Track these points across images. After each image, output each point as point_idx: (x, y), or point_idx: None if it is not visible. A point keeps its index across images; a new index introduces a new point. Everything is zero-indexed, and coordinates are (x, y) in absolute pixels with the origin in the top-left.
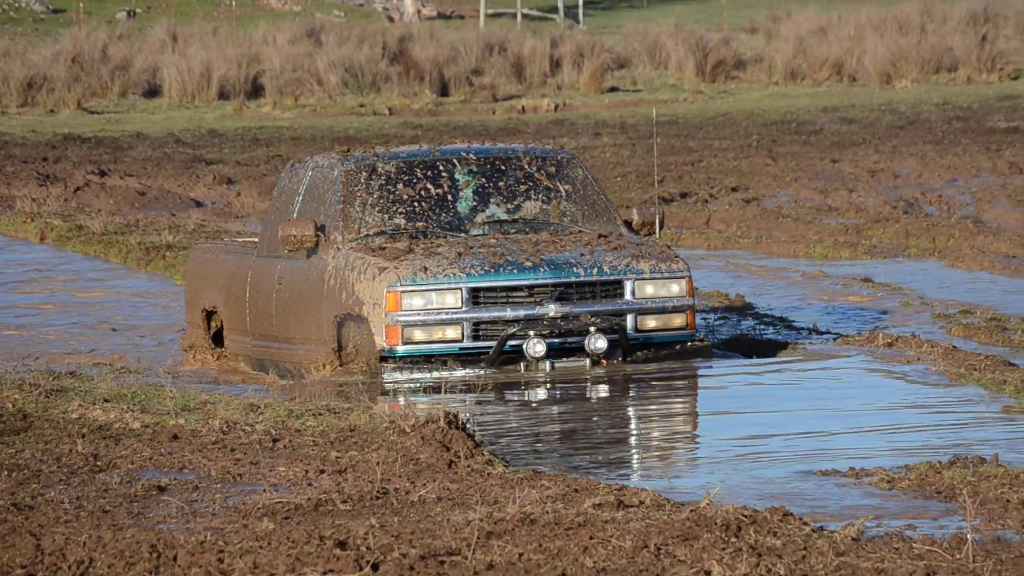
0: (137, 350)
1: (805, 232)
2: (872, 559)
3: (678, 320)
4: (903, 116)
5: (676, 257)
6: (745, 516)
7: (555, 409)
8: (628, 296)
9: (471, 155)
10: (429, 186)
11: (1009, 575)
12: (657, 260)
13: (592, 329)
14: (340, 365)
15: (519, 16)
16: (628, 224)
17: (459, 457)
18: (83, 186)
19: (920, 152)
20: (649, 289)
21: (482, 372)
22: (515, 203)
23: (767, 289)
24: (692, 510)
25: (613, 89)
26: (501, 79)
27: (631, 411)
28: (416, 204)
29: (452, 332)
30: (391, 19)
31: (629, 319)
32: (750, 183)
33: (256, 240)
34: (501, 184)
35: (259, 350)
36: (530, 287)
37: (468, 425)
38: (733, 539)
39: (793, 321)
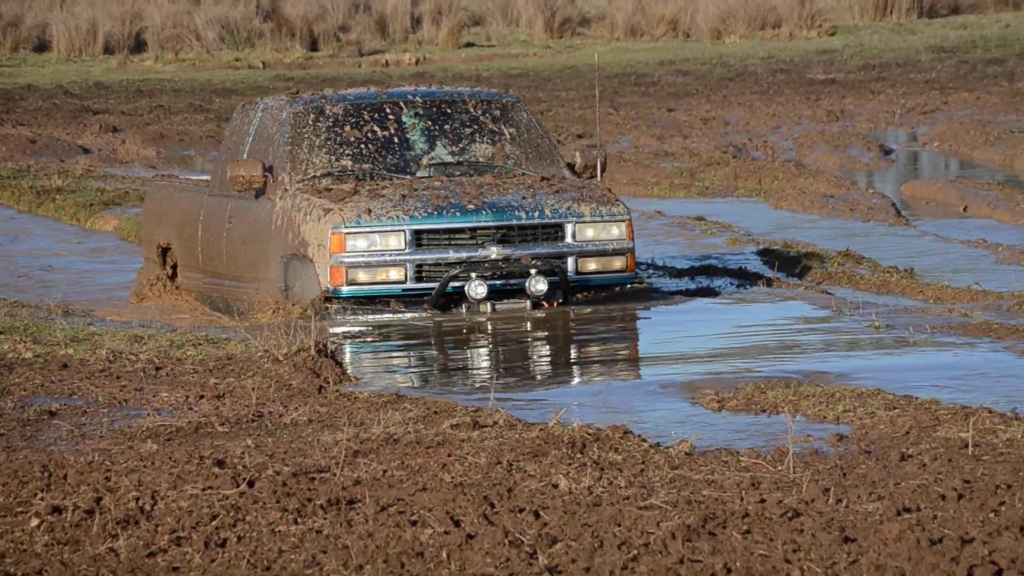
0: (89, 291)
1: (644, 175)
2: (703, 471)
3: (618, 263)
4: (732, 69)
5: (617, 201)
6: (589, 434)
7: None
8: (569, 239)
9: (418, 98)
10: (376, 128)
11: (824, 483)
12: (598, 203)
13: (533, 272)
14: (287, 304)
15: None
16: (571, 167)
17: (328, 383)
18: None
19: (748, 102)
20: (589, 232)
21: (425, 313)
22: (460, 146)
23: None
24: (541, 429)
25: (469, 44)
26: (366, 35)
27: (522, 343)
28: (363, 146)
29: (395, 274)
30: None
31: (570, 262)
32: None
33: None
34: (447, 127)
35: (210, 287)
36: (472, 229)
37: (335, 353)
38: (579, 455)
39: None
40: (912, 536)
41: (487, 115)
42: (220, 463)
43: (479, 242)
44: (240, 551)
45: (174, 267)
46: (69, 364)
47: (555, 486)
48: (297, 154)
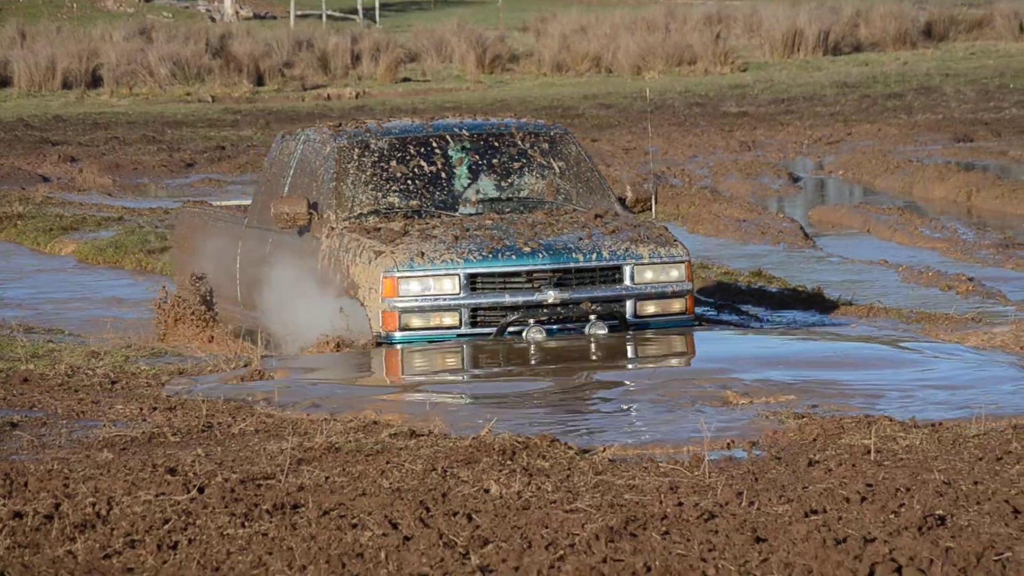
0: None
1: None
2: (625, 477)
3: (677, 305)
4: (651, 103)
5: (675, 241)
6: (519, 442)
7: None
8: (627, 281)
9: (464, 131)
10: (423, 163)
11: (737, 487)
12: (656, 244)
13: (592, 317)
14: (336, 349)
15: (324, 16)
16: (622, 201)
17: (274, 395)
18: None
19: (666, 133)
20: (648, 274)
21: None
22: (510, 180)
23: None
24: (474, 438)
25: (406, 79)
26: (309, 71)
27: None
28: (409, 182)
29: (450, 319)
30: (213, 19)
31: (628, 305)
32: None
33: (242, 205)
34: (495, 161)
35: (250, 321)
36: (529, 273)
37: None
38: (509, 462)
39: None
40: (819, 536)
41: (535, 148)
42: (172, 471)
43: (536, 286)
44: (191, 553)
45: (210, 296)
46: (30, 378)
47: (487, 491)
48: (342, 191)
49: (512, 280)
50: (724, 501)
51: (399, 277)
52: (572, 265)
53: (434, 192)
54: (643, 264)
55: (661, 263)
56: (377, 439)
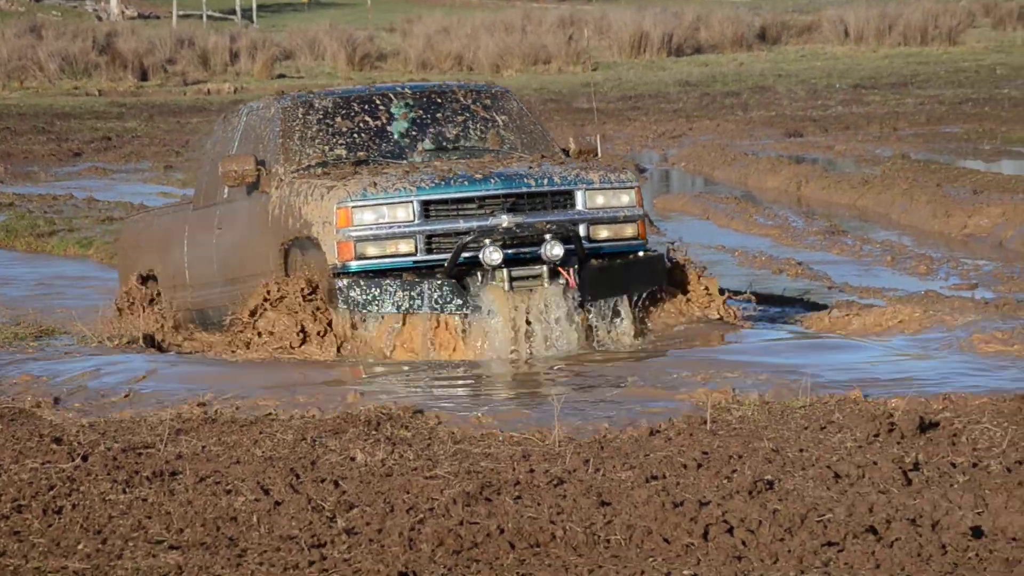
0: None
1: None
2: (481, 446)
3: (630, 230)
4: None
5: (624, 168)
6: (384, 413)
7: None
8: (580, 206)
9: (407, 91)
10: (368, 119)
11: (585, 455)
12: (606, 171)
13: (548, 236)
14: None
15: (204, 17)
16: (565, 152)
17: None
18: None
19: None
20: (600, 199)
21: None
22: (454, 132)
23: None
24: (342, 409)
25: (281, 76)
26: (190, 67)
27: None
28: (356, 135)
29: (405, 246)
30: (100, 18)
31: (582, 228)
32: None
33: (185, 198)
34: (439, 115)
35: (200, 300)
36: (481, 198)
37: (164, 344)
38: (374, 432)
39: None
40: (658, 500)
41: (478, 103)
42: (58, 440)
43: (489, 211)
44: (74, 517)
45: (156, 295)
46: None
47: (352, 459)
48: (290, 146)
49: (465, 207)
50: (572, 468)
51: (352, 207)
52: (524, 190)
53: (381, 144)
54: (594, 189)
55: (611, 188)
56: (251, 410)
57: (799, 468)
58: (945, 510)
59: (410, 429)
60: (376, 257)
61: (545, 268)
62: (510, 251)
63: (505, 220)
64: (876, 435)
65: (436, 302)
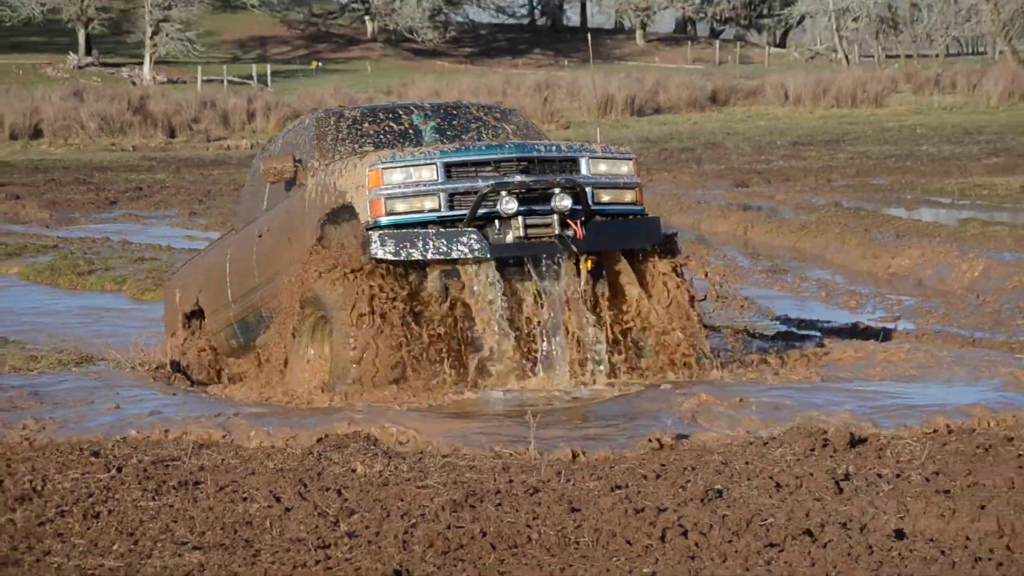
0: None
1: None
2: (467, 459)
3: (629, 196)
4: None
5: (621, 145)
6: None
7: None
8: (584, 171)
9: (426, 105)
10: (392, 124)
11: (557, 467)
12: (607, 144)
13: (557, 190)
14: (324, 259)
15: (225, 82)
16: None
17: (179, 390)
18: None
19: None
20: (602, 167)
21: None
22: (468, 136)
23: None
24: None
25: None
26: (212, 126)
27: None
28: (382, 137)
29: (430, 203)
30: (134, 83)
31: (588, 191)
32: None
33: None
34: (455, 123)
35: (240, 310)
36: (497, 161)
37: (186, 369)
38: (372, 447)
39: None
40: (622, 507)
41: (489, 116)
42: (95, 454)
43: (503, 173)
44: (110, 521)
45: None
46: None
47: (353, 471)
48: (323, 145)
49: (483, 168)
50: (546, 479)
51: (383, 168)
52: (535, 155)
53: (404, 143)
54: (597, 158)
55: (612, 158)
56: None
57: (745, 478)
58: (872, 515)
59: (405, 444)
60: (404, 212)
61: (555, 217)
62: (523, 207)
63: (518, 179)
64: (812, 449)
65: (459, 248)
